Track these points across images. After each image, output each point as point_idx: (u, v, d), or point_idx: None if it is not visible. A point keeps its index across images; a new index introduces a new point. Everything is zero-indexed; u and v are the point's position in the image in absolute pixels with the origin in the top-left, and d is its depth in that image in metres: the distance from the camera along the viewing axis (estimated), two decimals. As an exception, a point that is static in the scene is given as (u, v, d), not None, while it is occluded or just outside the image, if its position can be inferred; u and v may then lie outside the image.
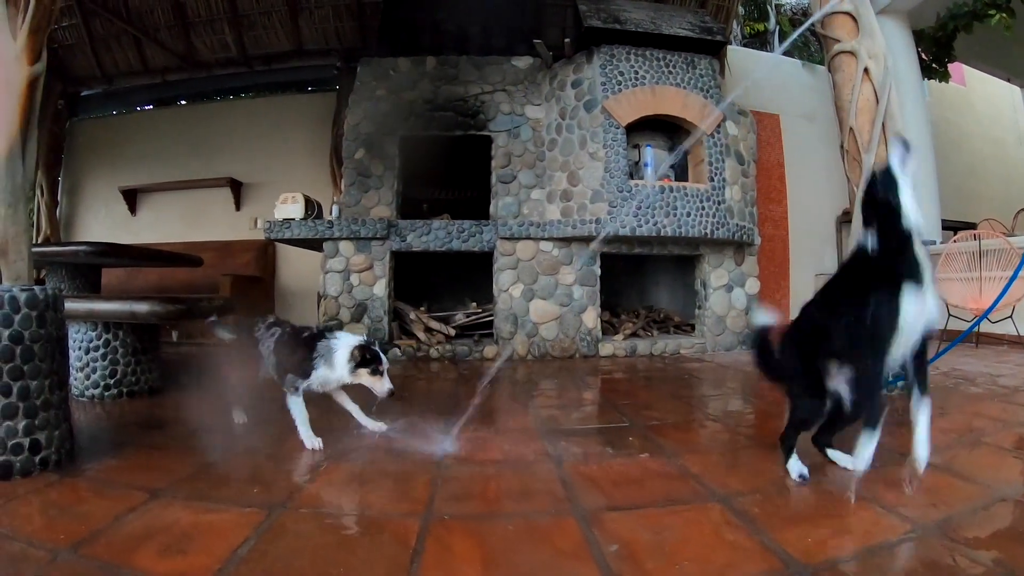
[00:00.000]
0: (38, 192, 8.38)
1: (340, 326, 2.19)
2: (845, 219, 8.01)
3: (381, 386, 2.37)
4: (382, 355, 2.41)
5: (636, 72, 5.51)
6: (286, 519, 1.66)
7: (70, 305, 3.21)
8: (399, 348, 5.23)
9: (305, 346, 2.46)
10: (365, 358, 2.36)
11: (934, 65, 8.52)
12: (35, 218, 8.43)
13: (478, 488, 1.92)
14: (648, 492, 1.88)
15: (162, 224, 8.30)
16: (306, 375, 2.41)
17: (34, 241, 8.31)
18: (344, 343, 2.41)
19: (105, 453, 2.35)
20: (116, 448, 2.44)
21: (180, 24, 8.05)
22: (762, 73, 8.13)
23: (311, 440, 2.36)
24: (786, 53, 9.25)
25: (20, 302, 2.02)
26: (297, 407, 2.42)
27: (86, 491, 1.91)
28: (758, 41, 11.70)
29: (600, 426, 2.87)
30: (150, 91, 8.89)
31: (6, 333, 1.98)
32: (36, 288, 2.09)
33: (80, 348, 3.39)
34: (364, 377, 2.37)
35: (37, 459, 2.04)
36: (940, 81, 8.71)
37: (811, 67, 8.68)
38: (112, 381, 3.39)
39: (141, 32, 8.07)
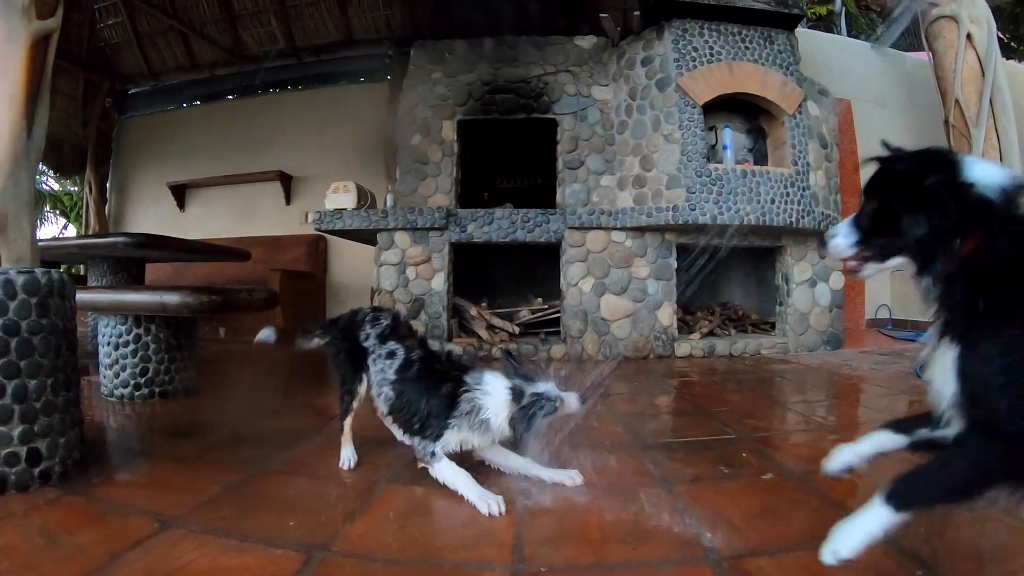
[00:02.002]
0: (86, 189, 8.43)
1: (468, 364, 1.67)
2: (923, 211, 7.53)
3: (570, 407, 1.75)
4: (546, 389, 1.73)
5: (711, 48, 5.08)
6: (330, 569, 1.29)
7: (95, 296, 2.97)
8: (460, 347, 4.89)
9: (439, 388, 1.82)
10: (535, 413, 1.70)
11: (1012, 43, 8.01)
12: (84, 215, 8.45)
13: (576, 525, 1.53)
14: (790, 527, 1.49)
15: (211, 219, 8.24)
16: (438, 435, 1.77)
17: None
18: (496, 394, 1.74)
19: (121, 464, 2.05)
20: (135, 459, 2.14)
21: (227, 17, 7.97)
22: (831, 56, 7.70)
23: (487, 504, 1.64)
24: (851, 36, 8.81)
25: (16, 286, 1.72)
26: (448, 473, 1.76)
27: (87, 515, 1.59)
28: (821, 25, 11.23)
29: (702, 438, 2.44)
30: (198, 87, 8.85)
31: None
32: (37, 271, 1.78)
33: (109, 344, 3.12)
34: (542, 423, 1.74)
35: (36, 471, 1.74)
36: (1020, 61, 8.18)
37: (881, 50, 8.21)
38: (143, 380, 3.11)
39: (188, 27, 8.03)
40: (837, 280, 5.38)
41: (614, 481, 1.87)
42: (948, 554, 1.33)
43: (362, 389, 2.02)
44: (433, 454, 1.77)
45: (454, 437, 1.76)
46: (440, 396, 1.79)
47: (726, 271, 6.37)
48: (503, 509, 1.61)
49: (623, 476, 1.92)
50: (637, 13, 5.26)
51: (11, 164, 1.77)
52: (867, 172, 1.27)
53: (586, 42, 5.66)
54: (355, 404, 2.03)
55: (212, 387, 3.54)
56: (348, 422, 2.05)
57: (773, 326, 5.52)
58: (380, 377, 1.95)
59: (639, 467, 2.01)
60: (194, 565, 1.29)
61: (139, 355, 3.10)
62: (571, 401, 1.72)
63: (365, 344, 2.02)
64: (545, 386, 1.72)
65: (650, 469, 1.99)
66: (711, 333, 5.30)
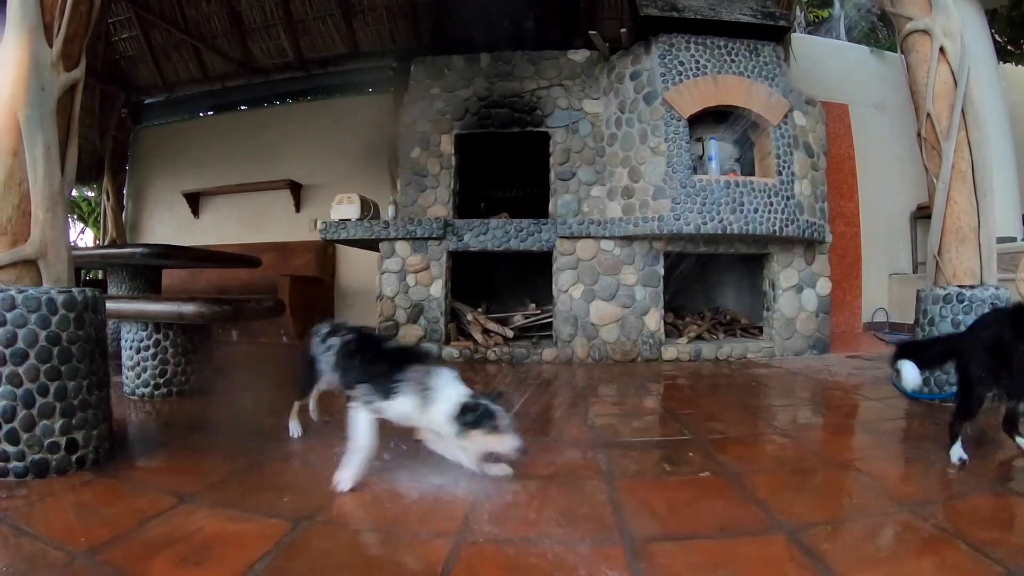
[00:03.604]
0: (104, 197, 8.68)
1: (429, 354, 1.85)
2: (920, 215, 7.58)
3: (503, 444, 1.89)
4: (495, 408, 1.90)
5: (697, 61, 5.26)
6: (311, 533, 1.60)
7: (120, 306, 3.29)
8: (456, 350, 5.15)
9: (390, 359, 2.03)
10: (477, 419, 1.87)
11: (1009, 47, 8.04)
12: (102, 221, 8.71)
13: (519, 508, 1.79)
14: (705, 519, 1.71)
15: (224, 226, 8.50)
16: (387, 394, 1.93)
17: (100, 244, 8.66)
18: (447, 393, 1.91)
19: (144, 453, 2.39)
20: (156, 448, 2.47)
21: (237, 31, 8.24)
22: (830, 61, 7.78)
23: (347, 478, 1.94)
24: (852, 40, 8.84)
25: (57, 304, 2.05)
26: (363, 426, 1.96)
27: (117, 492, 1.93)
28: (822, 29, 11.31)
29: (659, 439, 2.69)
30: (210, 97, 9.12)
31: (43, 334, 2.02)
32: (74, 290, 2.12)
33: (131, 348, 3.44)
34: (478, 439, 1.89)
35: (74, 458, 2.08)
36: (1016, 64, 8.19)
37: (880, 54, 8.23)
38: (162, 380, 3.44)
39: (199, 41, 8.29)
40: (824, 286, 5.53)
41: (564, 474, 2.12)
42: (845, 550, 1.48)
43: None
44: (368, 402, 2.01)
45: (396, 403, 1.98)
46: (392, 363, 2.06)
47: (721, 276, 6.55)
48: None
49: (575, 470, 2.16)
50: (624, 30, 5.45)
51: (50, 201, 2.03)
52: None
53: (579, 56, 5.86)
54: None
55: (224, 387, 3.83)
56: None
57: (761, 330, 5.69)
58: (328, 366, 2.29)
59: (591, 463, 2.24)
60: (205, 529, 1.61)
61: (159, 358, 3.43)
62: (509, 438, 1.90)
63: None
64: (501, 412, 1.92)
65: (600, 465, 2.21)
66: (699, 337, 5.49)
